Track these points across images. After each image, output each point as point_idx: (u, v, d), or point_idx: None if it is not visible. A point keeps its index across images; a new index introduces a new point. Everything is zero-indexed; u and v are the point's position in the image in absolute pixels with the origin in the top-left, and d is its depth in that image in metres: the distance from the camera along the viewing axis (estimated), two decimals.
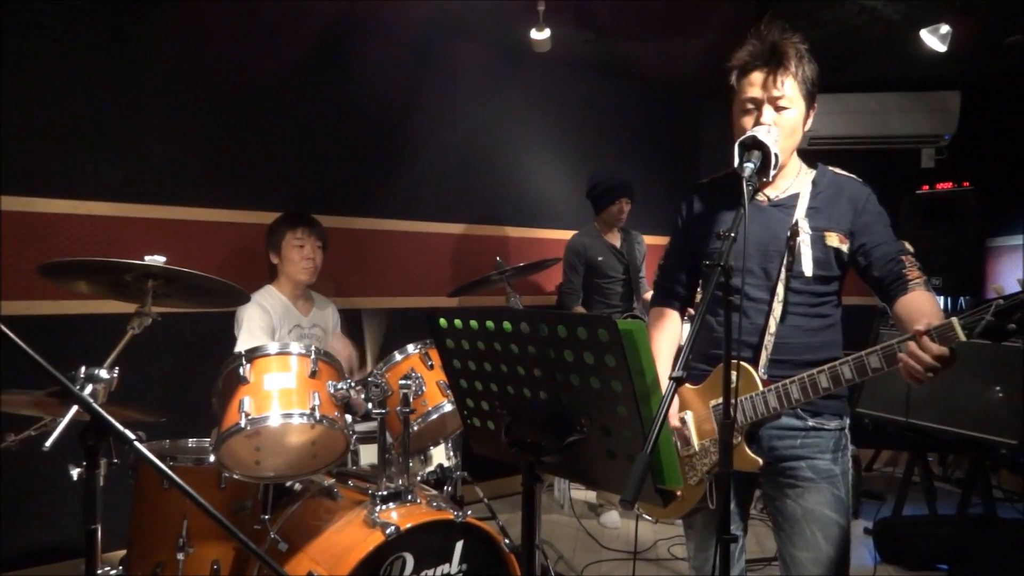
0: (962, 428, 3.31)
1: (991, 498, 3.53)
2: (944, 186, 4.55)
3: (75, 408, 1.39)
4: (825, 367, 1.57)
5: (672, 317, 1.93)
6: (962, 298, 4.62)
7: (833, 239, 1.70)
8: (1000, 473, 4.26)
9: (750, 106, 1.70)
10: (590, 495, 4.22)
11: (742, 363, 1.68)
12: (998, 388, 3.16)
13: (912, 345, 1.42)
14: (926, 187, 4.62)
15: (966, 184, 4.48)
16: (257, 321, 2.74)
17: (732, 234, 1.43)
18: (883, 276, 1.69)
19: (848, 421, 1.76)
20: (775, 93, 1.67)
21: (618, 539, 3.70)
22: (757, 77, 1.68)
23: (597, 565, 3.35)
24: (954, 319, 1.39)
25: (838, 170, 1.81)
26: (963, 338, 1.38)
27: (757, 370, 1.68)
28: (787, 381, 1.61)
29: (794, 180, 1.78)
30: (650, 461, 1.11)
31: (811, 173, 1.79)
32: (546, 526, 3.79)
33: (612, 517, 3.91)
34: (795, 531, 1.70)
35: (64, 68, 3.07)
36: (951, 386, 3.31)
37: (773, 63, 1.67)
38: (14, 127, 2.95)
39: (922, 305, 1.59)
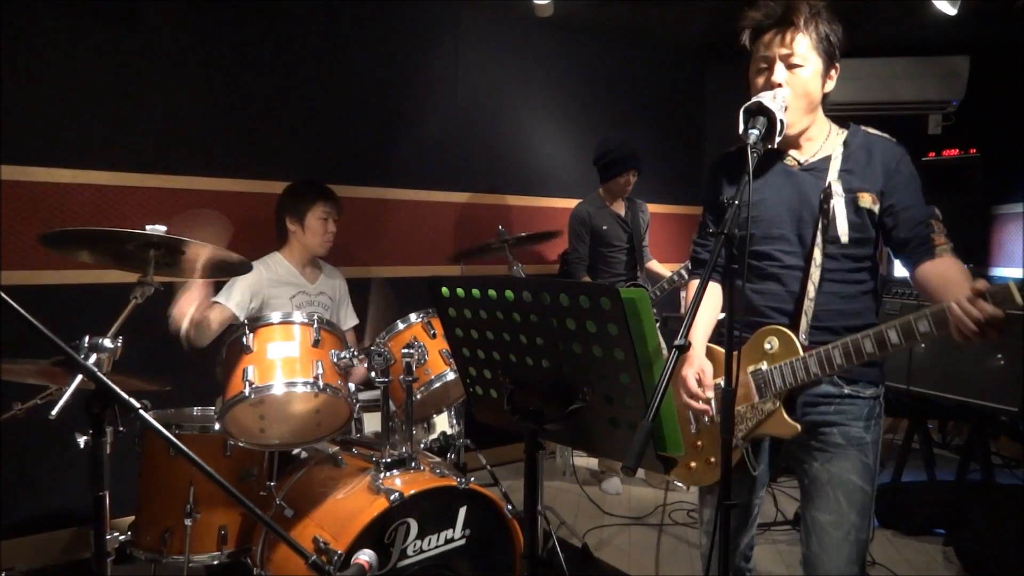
0: (962, 395, 3.32)
1: (989, 464, 3.56)
2: (951, 153, 4.50)
3: (80, 377, 1.40)
4: (870, 331, 1.54)
5: (712, 288, 1.89)
6: (967, 266, 4.60)
7: (866, 200, 1.66)
8: (999, 440, 4.29)
9: (763, 65, 1.68)
10: (592, 462, 4.27)
11: (782, 329, 1.68)
12: (999, 355, 3.17)
13: (965, 302, 1.38)
14: (932, 154, 4.58)
15: (973, 151, 4.43)
16: (245, 280, 2.63)
17: (736, 201, 1.42)
18: (910, 238, 1.67)
19: (883, 389, 1.75)
20: (784, 51, 1.64)
21: (620, 505, 3.74)
22: (770, 36, 1.66)
23: (599, 531, 3.40)
24: (1011, 282, 1.37)
25: (871, 130, 1.77)
26: (1020, 301, 1.35)
27: (798, 336, 1.66)
28: (829, 346, 1.59)
29: (824, 142, 1.74)
30: (652, 429, 1.11)
31: (843, 134, 1.75)
32: (548, 492, 3.84)
33: (614, 483, 3.96)
34: (820, 495, 1.71)
35: (64, 36, 3.02)
36: (952, 353, 3.32)
37: (784, 21, 1.64)
38: (14, 96, 2.92)
39: (955, 274, 1.58)
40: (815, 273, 1.67)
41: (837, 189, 1.67)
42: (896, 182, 1.68)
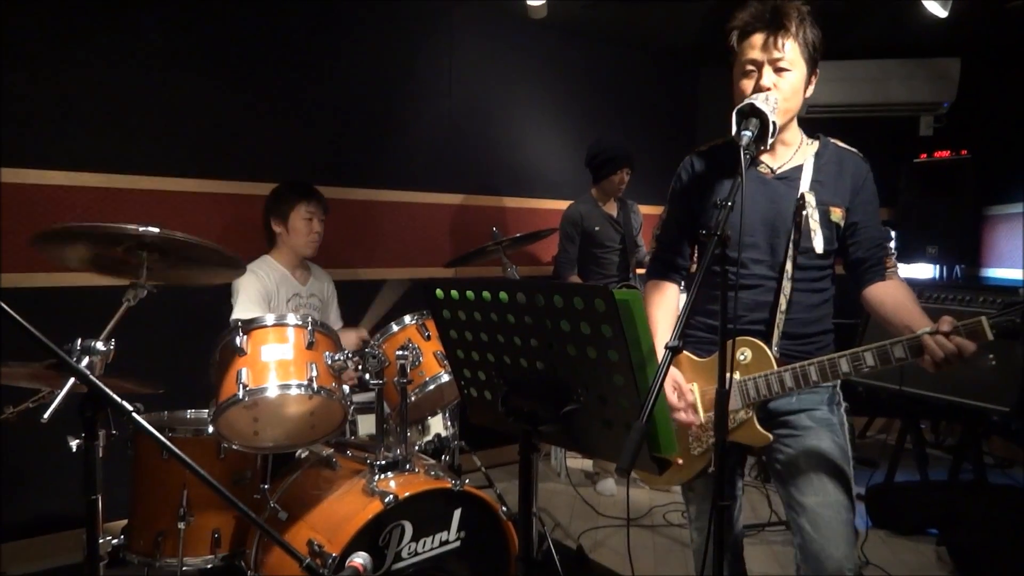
0: (955, 395, 3.33)
1: (982, 464, 3.57)
2: (942, 154, 4.53)
3: (72, 380, 1.39)
4: (847, 352, 1.58)
5: (670, 289, 1.90)
6: (958, 266, 4.63)
7: (837, 214, 1.71)
8: (991, 440, 4.31)
9: (750, 68, 1.67)
10: (586, 463, 4.27)
11: (756, 341, 1.69)
12: (991, 355, 3.18)
13: (941, 338, 1.46)
14: (924, 155, 4.60)
15: (964, 152, 4.46)
16: (255, 286, 2.70)
17: (729, 203, 1.41)
18: (866, 258, 1.74)
19: (839, 380, 1.77)
20: (775, 55, 1.64)
21: (614, 506, 3.74)
22: (758, 39, 1.66)
23: (593, 532, 3.40)
24: (983, 319, 1.44)
25: (840, 143, 1.80)
26: (990, 338, 1.43)
27: (770, 347, 1.68)
28: (806, 363, 1.61)
29: (796, 151, 1.76)
30: (646, 430, 1.11)
31: (813, 145, 1.78)
32: (543, 494, 3.84)
33: (608, 485, 3.96)
34: (800, 478, 1.70)
35: (58, 37, 3.01)
36: None
37: (774, 25, 1.64)
38: (8, 98, 2.91)
39: (908, 298, 1.67)
40: (787, 286, 1.69)
41: (811, 201, 1.69)
42: (861, 199, 1.73)
